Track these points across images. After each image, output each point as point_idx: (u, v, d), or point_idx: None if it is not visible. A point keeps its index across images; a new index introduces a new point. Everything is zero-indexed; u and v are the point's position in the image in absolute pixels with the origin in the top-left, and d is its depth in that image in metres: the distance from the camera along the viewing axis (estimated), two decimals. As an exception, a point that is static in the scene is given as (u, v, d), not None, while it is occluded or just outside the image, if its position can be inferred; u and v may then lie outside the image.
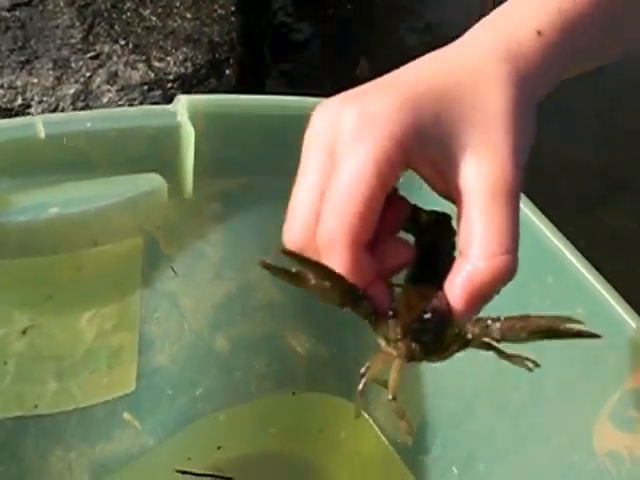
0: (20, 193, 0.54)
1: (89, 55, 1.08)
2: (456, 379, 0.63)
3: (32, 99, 1.03)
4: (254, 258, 0.63)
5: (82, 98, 1.05)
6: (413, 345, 0.39)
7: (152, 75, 1.08)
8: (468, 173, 0.38)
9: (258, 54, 1.28)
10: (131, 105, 1.04)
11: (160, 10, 1.15)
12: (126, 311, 0.62)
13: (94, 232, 0.57)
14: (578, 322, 0.37)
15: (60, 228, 0.56)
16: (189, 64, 1.11)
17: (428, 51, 0.42)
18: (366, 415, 0.71)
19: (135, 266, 0.60)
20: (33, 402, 0.61)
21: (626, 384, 0.51)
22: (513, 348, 0.40)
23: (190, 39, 1.13)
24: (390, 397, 0.41)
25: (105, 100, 1.05)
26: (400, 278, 0.41)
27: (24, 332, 0.59)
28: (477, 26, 0.43)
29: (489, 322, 0.38)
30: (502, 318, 0.38)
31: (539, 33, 0.41)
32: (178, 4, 1.16)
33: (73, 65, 1.06)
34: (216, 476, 0.68)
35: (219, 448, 0.69)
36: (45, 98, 1.03)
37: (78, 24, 1.11)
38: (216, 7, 1.18)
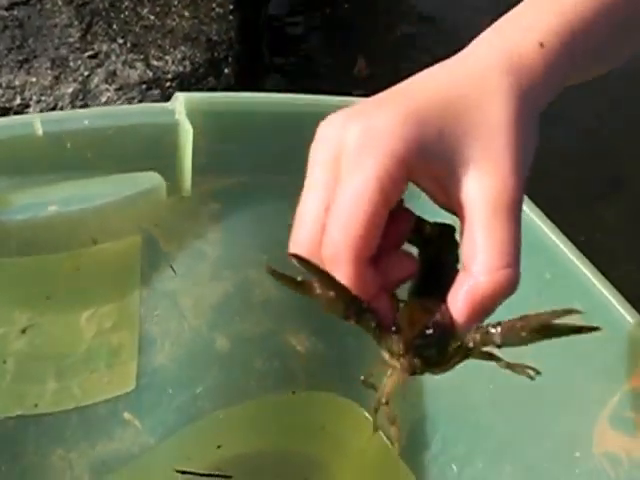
0: (18, 192, 0.54)
1: (87, 54, 1.08)
2: (455, 376, 0.63)
3: (31, 98, 1.03)
4: (253, 257, 0.64)
5: (81, 97, 1.05)
6: (415, 360, 0.39)
7: (150, 74, 1.08)
8: (470, 187, 0.38)
9: (256, 52, 1.28)
10: (130, 104, 1.04)
11: (158, 9, 1.15)
12: (125, 310, 0.62)
13: (93, 230, 0.57)
14: (577, 312, 0.37)
15: (59, 226, 0.56)
16: (187, 63, 1.11)
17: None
18: (366, 413, 0.71)
19: (134, 265, 0.60)
20: (33, 401, 0.61)
21: (625, 385, 0.51)
22: (514, 357, 0.40)
23: (188, 38, 1.13)
24: (384, 401, 0.41)
25: (104, 99, 1.05)
26: (405, 289, 0.42)
27: (23, 331, 0.59)
28: (480, 37, 0.43)
29: (489, 329, 0.38)
30: (502, 323, 0.38)
31: (541, 45, 0.41)
32: (176, 3, 1.16)
33: (71, 64, 1.06)
34: (216, 475, 0.68)
35: (219, 447, 0.69)
36: (44, 97, 1.03)
37: (76, 23, 1.11)
38: (214, 6, 1.18)
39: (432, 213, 0.43)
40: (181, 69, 1.10)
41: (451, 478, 0.66)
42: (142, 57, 1.09)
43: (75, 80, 1.05)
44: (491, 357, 0.40)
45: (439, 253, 0.42)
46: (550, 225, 0.55)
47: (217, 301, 0.66)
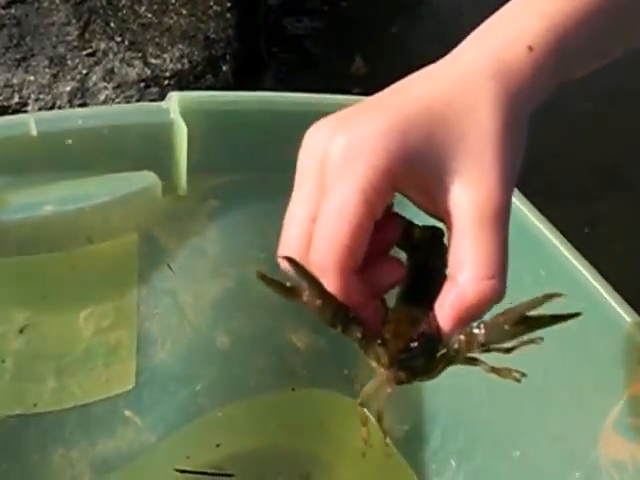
0: (14, 192, 0.54)
1: (85, 52, 1.08)
2: (455, 373, 0.63)
3: (29, 97, 1.03)
4: (252, 254, 0.64)
5: (79, 96, 1.05)
6: (400, 373, 0.39)
7: (148, 72, 1.08)
8: (456, 197, 0.38)
9: (254, 50, 1.28)
10: (128, 102, 1.04)
11: (156, 7, 1.15)
12: (123, 308, 0.62)
13: (89, 230, 0.57)
14: (557, 295, 0.37)
15: (55, 226, 0.56)
16: (185, 61, 1.11)
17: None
18: (365, 410, 0.71)
19: (131, 263, 0.60)
20: (32, 400, 0.61)
21: (629, 390, 0.51)
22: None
23: (186, 36, 1.13)
24: (376, 419, 0.42)
25: (102, 97, 1.05)
26: (393, 294, 0.42)
27: (21, 330, 0.59)
28: (467, 40, 0.42)
29: (473, 330, 0.38)
30: (484, 321, 0.38)
31: (530, 48, 0.40)
32: (174, 1, 1.16)
33: (69, 62, 1.06)
34: (216, 474, 0.68)
35: (219, 445, 0.69)
36: (42, 96, 1.03)
37: (74, 21, 1.11)
38: (212, 3, 1.18)
39: (416, 216, 0.42)
40: (179, 67, 1.10)
41: (450, 473, 0.66)
42: (140, 55, 1.09)
43: (73, 78, 1.05)
44: (475, 362, 0.40)
45: (427, 258, 0.42)
46: (543, 220, 0.55)
47: (217, 298, 0.66)
